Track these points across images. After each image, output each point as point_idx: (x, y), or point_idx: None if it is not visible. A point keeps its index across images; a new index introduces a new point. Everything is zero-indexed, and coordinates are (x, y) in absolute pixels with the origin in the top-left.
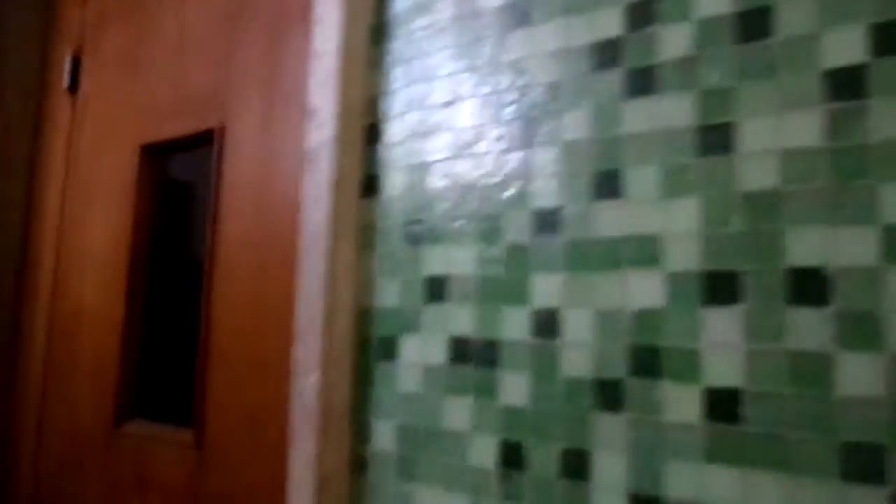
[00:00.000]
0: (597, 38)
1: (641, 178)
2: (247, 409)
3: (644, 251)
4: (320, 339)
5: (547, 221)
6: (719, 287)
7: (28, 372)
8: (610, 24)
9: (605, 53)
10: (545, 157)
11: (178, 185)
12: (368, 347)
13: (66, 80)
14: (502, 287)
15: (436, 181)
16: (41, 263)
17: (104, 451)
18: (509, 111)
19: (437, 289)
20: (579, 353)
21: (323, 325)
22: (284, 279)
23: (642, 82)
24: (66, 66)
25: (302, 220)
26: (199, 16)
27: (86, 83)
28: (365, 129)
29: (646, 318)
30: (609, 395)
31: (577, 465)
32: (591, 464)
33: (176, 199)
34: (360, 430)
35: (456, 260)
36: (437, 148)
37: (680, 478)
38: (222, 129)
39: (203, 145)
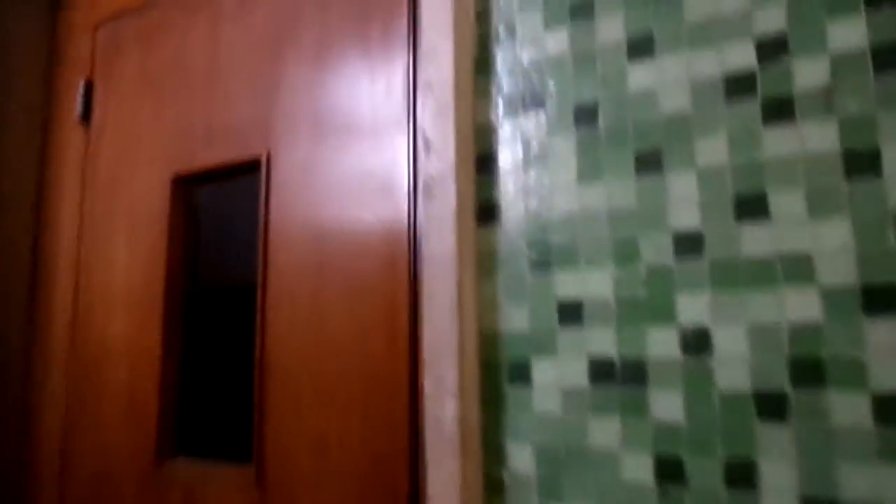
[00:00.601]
0: (729, 69)
1: (787, 200)
2: (313, 439)
3: (796, 268)
4: (456, 365)
5: (688, 243)
6: (879, 299)
7: (45, 416)
8: (743, 56)
9: (739, 84)
10: (680, 182)
11: (213, 214)
12: (497, 372)
13: (78, 109)
14: (645, 307)
15: (559, 207)
16: (55, 301)
17: (143, 490)
18: (632, 137)
19: (571, 312)
20: (735, 368)
21: (458, 352)
22: (350, 305)
23: (780, 111)
24: (79, 93)
25: (424, 249)
26: (235, 39)
27: (100, 111)
28: (477, 158)
29: (804, 331)
30: (772, 405)
31: (743, 474)
32: (758, 471)
33: (210, 228)
34: (494, 454)
35: (590, 283)
36: (556, 174)
37: (854, 479)
38: (268, 157)
39: (243, 174)
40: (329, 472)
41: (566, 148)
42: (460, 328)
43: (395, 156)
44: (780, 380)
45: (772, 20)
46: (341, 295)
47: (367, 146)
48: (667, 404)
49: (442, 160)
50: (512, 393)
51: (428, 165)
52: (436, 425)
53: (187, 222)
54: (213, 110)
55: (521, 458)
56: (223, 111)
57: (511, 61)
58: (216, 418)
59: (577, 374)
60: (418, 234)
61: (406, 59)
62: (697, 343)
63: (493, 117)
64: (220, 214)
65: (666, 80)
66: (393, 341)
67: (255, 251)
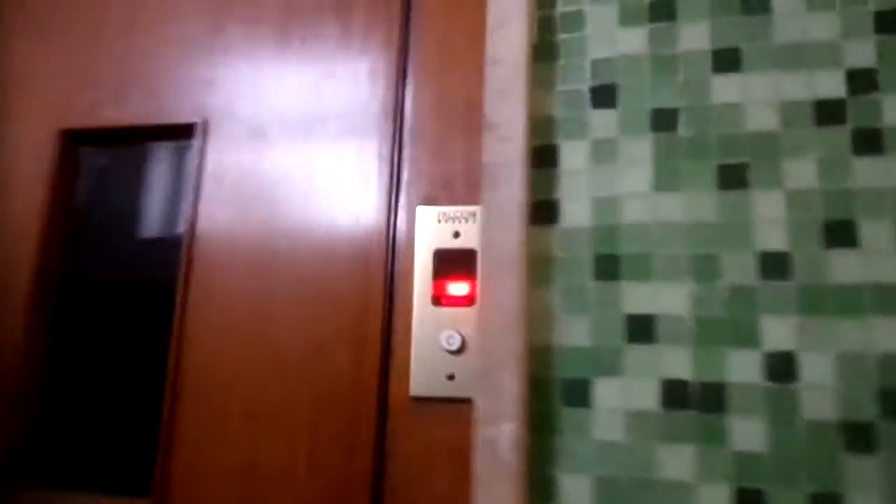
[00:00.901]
0: (819, 95)
1: (876, 230)
2: (239, 469)
3: (884, 298)
4: (517, 382)
5: (775, 264)
6: None
7: None
8: (832, 85)
9: (829, 110)
10: (766, 201)
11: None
12: (550, 391)
13: None
14: (726, 329)
15: (630, 214)
16: None
17: None
18: (715, 149)
19: (642, 328)
20: (821, 397)
21: (518, 368)
22: (306, 311)
23: (869, 142)
24: None
25: (482, 245)
26: None
27: None
28: (534, 150)
29: (893, 361)
30: (860, 436)
31: None
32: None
33: (111, 204)
34: (542, 486)
35: (664, 298)
36: (628, 179)
37: None
38: (205, 126)
39: (166, 141)
40: None
41: (641, 152)
42: (520, 341)
43: (374, 143)
44: (869, 410)
45: (861, 55)
46: (295, 299)
47: (338, 128)
48: (748, 433)
49: (508, 145)
50: (567, 416)
51: (490, 149)
52: (489, 451)
53: (75, 190)
54: (129, 61)
55: (575, 492)
56: (143, 64)
57: (578, 52)
58: (100, 441)
59: (646, 397)
60: (397, 231)
61: (397, 36)
62: (782, 369)
63: (553, 108)
64: (128, 189)
65: (753, 97)
66: (360, 352)
67: (179, 241)
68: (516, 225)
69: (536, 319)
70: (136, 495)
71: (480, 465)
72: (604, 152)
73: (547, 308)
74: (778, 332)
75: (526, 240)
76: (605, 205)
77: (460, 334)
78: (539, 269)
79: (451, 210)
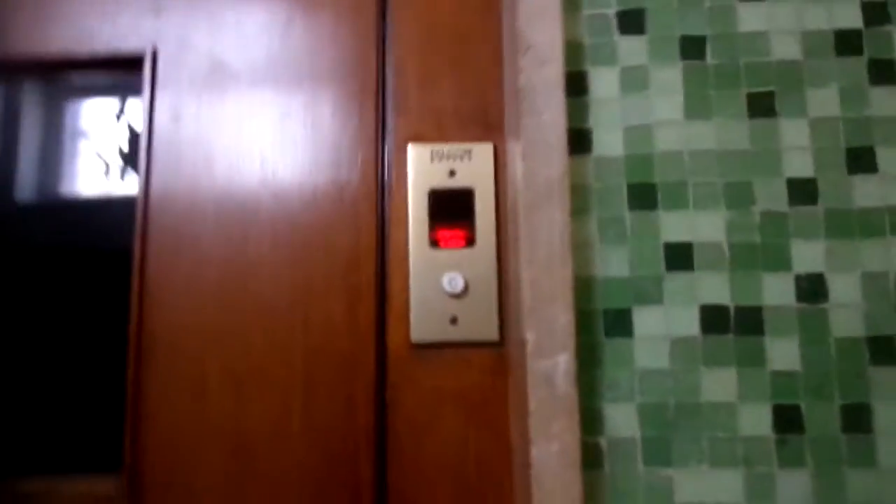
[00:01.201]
0: (837, 26)
1: (892, 157)
2: (225, 436)
3: None
4: (569, 312)
5: (803, 190)
6: None
7: None
8: (850, 15)
9: (847, 41)
10: (793, 128)
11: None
12: (592, 323)
13: None
14: (760, 253)
15: (664, 142)
16: None
17: None
18: (743, 80)
19: (680, 256)
20: (849, 315)
21: (570, 297)
22: (288, 261)
23: (884, 73)
24: None
25: (521, 174)
26: None
27: None
28: (568, 77)
29: None
30: (884, 350)
31: (858, 419)
32: (873, 415)
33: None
34: (590, 416)
35: (700, 226)
36: (660, 107)
37: None
38: (154, 55)
39: (103, 72)
40: (256, 476)
41: (671, 80)
42: (567, 273)
43: (356, 77)
44: (891, 325)
45: None
46: (276, 248)
47: (314, 62)
48: (784, 352)
49: (546, 68)
50: (610, 347)
51: (528, 73)
52: (544, 385)
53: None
54: None
55: (621, 421)
56: None
57: None
58: (60, 419)
59: (687, 323)
60: (384, 165)
61: None
62: (813, 290)
63: (581, 33)
64: (65, 125)
65: (777, 26)
66: (353, 299)
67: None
68: (559, 152)
69: (576, 251)
70: (106, 472)
71: (535, 400)
72: (634, 80)
73: (586, 240)
74: (807, 256)
75: (557, 174)
76: (638, 133)
77: (462, 276)
78: (575, 200)
79: (444, 148)
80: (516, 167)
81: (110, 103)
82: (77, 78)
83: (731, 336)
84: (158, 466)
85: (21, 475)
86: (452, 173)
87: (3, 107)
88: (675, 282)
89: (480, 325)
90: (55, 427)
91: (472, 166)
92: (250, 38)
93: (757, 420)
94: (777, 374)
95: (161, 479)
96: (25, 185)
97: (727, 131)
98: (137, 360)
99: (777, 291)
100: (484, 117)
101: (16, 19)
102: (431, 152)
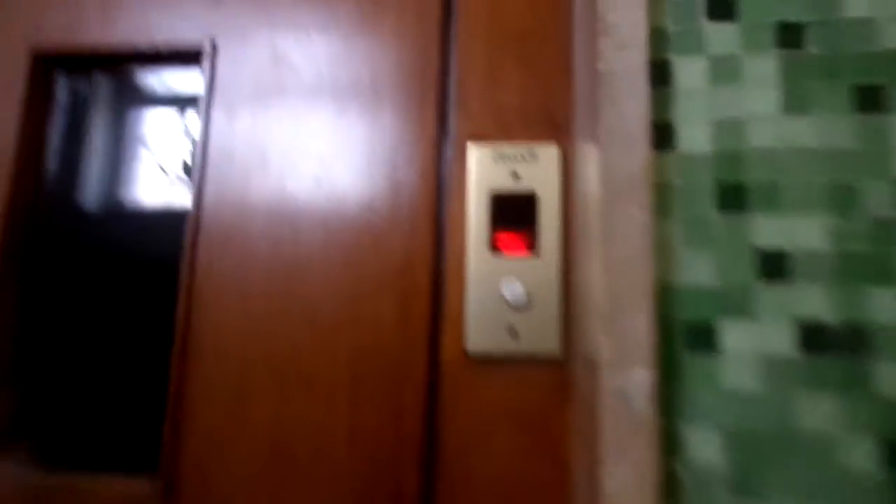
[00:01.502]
0: None
1: None
2: (269, 440)
3: None
4: (650, 324)
5: None
6: None
7: None
8: None
9: None
10: None
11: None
12: (673, 335)
13: None
14: (868, 264)
15: (756, 138)
16: None
17: None
18: (848, 71)
19: (775, 265)
20: None
21: (650, 307)
22: (339, 262)
23: None
24: None
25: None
26: None
27: None
28: (650, 66)
29: None
30: None
31: None
32: None
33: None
34: (668, 439)
35: (799, 232)
36: (752, 100)
37: None
38: (214, 48)
39: (161, 66)
40: (294, 483)
41: (766, 71)
42: (647, 279)
43: (416, 73)
44: None
45: None
46: (327, 248)
47: (374, 57)
48: (893, 377)
49: (627, 52)
50: (692, 363)
51: (608, 58)
52: (620, 402)
53: (49, 124)
54: None
55: (703, 447)
56: None
57: None
58: (101, 416)
59: (782, 340)
60: (443, 166)
61: None
62: None
63: (664, 18)
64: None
65: (887, 12)
66: (406, 305)
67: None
68: (640, 144)
69: (655, 254)
70: (142, 472)
71: (608, 419)
72: (723, 70)
73: (667, 242)
74: None
75: (640, 167)
76: (728, 128)
77: (523, 285)
78: (656, 198)
79: (507, 148)
80: (588, 166)
81: (172, 114)
82: (138, 72)
83: (831, 357)
84: (195, 469)
85: (59, 470)
86: (516, 175)
87: (68, 101)
88: (768, 293)
89: (542, 338)
90: (97, 425)
91: (537, 169)
92: (312, 34)
93: (861, 454)
94: (885, 402)
95: (197, 482)
96: (85, 187)
97: (829, 128)
98: (181, 361)
99: (885, 307)
100: (550, 117)
101: (86, 7)
102: (493, 153)
